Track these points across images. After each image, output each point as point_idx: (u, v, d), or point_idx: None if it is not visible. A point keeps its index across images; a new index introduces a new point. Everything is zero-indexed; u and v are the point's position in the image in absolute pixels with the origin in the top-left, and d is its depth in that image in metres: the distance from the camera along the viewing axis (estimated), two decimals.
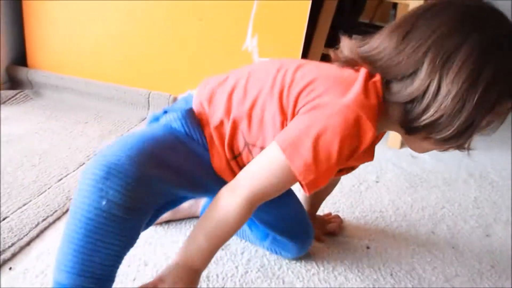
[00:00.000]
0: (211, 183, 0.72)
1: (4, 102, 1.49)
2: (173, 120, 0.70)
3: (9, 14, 1.59)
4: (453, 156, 1.61)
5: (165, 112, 0.73)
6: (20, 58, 1.65)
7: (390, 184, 1.33)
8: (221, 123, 0.70)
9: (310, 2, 1.39)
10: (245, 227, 0.91)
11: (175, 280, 0.63)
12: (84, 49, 1.59)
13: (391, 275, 0.91)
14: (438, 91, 0.58)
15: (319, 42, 1.69)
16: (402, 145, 1.61)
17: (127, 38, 1.55)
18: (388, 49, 0.62)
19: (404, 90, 0.61)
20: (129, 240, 0.61)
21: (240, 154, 0.71)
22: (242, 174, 0.65)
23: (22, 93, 1.57)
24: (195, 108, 0.73)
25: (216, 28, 1.48)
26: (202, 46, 1.50)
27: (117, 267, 0.62)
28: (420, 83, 0.59)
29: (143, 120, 1.52)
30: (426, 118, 0.59)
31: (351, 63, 0.67)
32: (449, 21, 0.60)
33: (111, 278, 0.62)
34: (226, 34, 1.48)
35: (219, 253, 0.90)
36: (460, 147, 0.67)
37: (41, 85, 1.61)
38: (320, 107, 0.62)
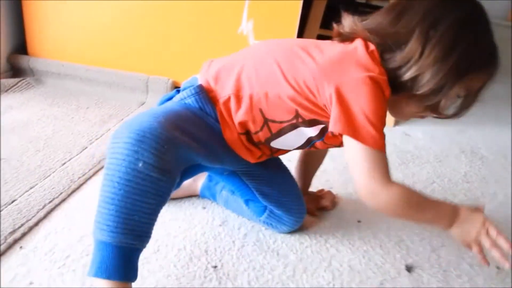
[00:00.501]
0: (224, 154, 0.79)
1: (7, 90, 1.54)
2: (187, 97, 0.77)
3: (9, 3, 1.62)
4: (445, 133, 1.66)
5: (178, 91, 0.80)
6: (21, 46, 1.68)
7: None
8: (229, 99, 0.77)
9: None
10: (242, 203, 0.97)
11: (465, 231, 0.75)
12: (83, 36, 1.62)
13: (380, 246, 0.96)
14: (421, 54, 0.71)
15: (314, 24, 1.71)
16: (396, 123, 1.65)
17: (125, 24, 1.58)
18: (385, 23, 0.75)
19: (398, 56, 0.73)
20: (163, 199, 0.67)
21: (258, 131, 0.78)
22: (354, 178, 0.73)
23: (24, 81, 1.61)
24: (203, 85, 0.79)
25: (212, 12, 1.51)
26: (199, 30, 1.53)
27: (153, 224, 0.68)
28: (410, 49, 0.72)
29: (142, 104, 1.57)
30: (410, 74, 0.72)
31: (351, 37, 0.77)
32: (435, 1, 0.74)
33: (149, 234, 0.68)
34: (222, 18, 1.51)
35: (217, 229, 0.95)
36: (435, 111, 0.78)
37: (42, 73, 1.65)
38: (339, 91, 0.71)
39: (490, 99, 2.19)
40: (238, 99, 0.76)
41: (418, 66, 0.71)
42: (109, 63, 1.62)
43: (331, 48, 0.78)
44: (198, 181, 1.04)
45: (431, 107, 0.77)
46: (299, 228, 0.97)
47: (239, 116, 0.77)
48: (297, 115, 0.77)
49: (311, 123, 0.78)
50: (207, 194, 1.04)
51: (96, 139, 1.29)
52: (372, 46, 0.74)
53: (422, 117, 0.83)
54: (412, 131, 1.63)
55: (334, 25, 0.79)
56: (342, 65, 0.73)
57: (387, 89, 0.72)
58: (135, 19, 1.57)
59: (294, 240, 0.95)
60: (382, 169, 0.71)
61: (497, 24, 6.08)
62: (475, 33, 0.73)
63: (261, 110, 0.76)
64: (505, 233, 1.06)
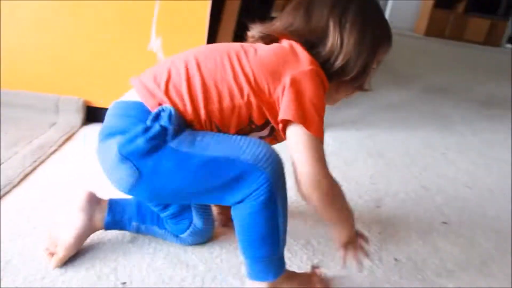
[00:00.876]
0: None
1: None
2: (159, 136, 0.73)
3: None
4: (355, 137, 1.76)
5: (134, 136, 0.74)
6: None
7: None
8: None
9: (210, 1, 1.45)
10: (156, 229, 0.97)
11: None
12: None
13: (288, 249, 1.00)
14: (342, 42, 0.79)
15: (225, 39, 1.76)
16: None
17: (32, 45, 1.54)
18: (297, 22, 0.82)
19: (322, 50, 0.80)
20: None
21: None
22: (297, 165, 0.75)
23: None
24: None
25: (121, 30, 1.51)
26: (108, 48, 1.53)
27: None
28: (332, 41, 0.80)
29: (53, 125, 1.53)
30: (339, 63, 0.80)
31: (267, 38, 0.84)
32: None
33: None
34: (131, 35, 1.51)
35: (127, 245, 0.95)
36: (361, 88, 0.88)
37: None
38: (293, 81, 0.76)
39: (399, 105, 2.36)
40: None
41: (344, 54, 0.79)
42: (18, 85, 1.57)
43: (267, 47, 0.82)
44: (96, 216, 0.92)
45: (359, 86, 0.87)
46: (210, 239, 0.99)
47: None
48: (250, 122, 0.80)
49: (262, 127, 0.82)
50: (115, 227, 0.96)
51: (4, 163, 1.24)
52: (298, 44, 0.81)
53: (351, 95, 0.91)
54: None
55: (249, 33, 0.86)
56: (287, 60, 0.78)
57: (326, 81, 0.79)
58: (43, 39, 1.53)
59: (204, 250, 0.97)
60: (324, 158, 0.77)
61: (404, 35, 6.48)
62: (375, 13, 0.86)
63: (216, 125, 0.79)
64: (404, 227, 1.17)
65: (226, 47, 0.82)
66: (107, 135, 0.79)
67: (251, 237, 0.78)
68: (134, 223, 0.95)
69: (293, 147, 0.76)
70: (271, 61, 0.79)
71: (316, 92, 0.76)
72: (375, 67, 0.87)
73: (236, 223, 0.79)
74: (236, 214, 0.77)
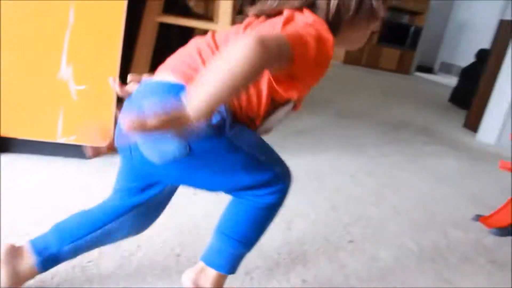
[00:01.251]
0: None
1: None
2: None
3: None
4: None
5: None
6: None
7: (206, 196, 1.43)
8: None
9: (123, 30, 1.46)
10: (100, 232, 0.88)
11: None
12: None
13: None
14: None
15: (140, 68, 1.76)
16: None
17: None
18: None
19: (320, 6, 0.77)
20: None
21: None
22: None
23: None
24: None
25: (29, 58, 1.46)
26: (18, 77, 1.47)
27: None
28: None
29: None
30: (333, 7, 0.77)
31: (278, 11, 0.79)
32: None
33: None
34: (41, 63, 1.47)
35: None
36: (376, 19, 0.83)
37: None
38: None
39: (311, 131, 2.47)
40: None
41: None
42: None
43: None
44: (23, 265, 0.85)
45: (369, 23, 0.83)
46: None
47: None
48: (273, 102, 0.80)
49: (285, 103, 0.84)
50: (51, 264, 0.87)
51: None
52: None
53: (371, 39, 0.93)
54: None
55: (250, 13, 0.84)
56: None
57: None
58: None
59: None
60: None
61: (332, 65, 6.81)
62: None
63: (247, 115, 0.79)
64: (313, 248, 1.22)
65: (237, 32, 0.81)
66: None
67: (244, 228, 0.85)
68: (66, 247, 0.86)
69: None
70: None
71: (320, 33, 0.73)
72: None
73: (235, 211, 0.85)
74: (243, 204, 0.84)
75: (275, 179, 0.83)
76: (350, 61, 7.16)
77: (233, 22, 1.68)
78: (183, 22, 1.76)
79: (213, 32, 0.84)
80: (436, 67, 9.00)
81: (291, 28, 0.72)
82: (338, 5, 0.78)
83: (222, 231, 0.86)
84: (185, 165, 0.77)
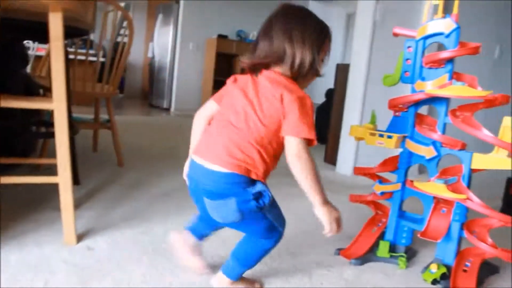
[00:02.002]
0: None
1: None
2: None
3: None
4: (130, 235, 1.72)
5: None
6: None
7: (60, 285, 1.32)
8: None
9: None
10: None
11: (331, 211, 1.26)
12: None
13: None
14: (295, 53, 1.24)
15: None
16: (79, 239, 1.63)
17: None
18: (266, 48, 1.26)
19: (288, 64, 1.25)
20: None
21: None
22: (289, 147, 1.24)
23: None
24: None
25: None
26: None
27: None
28: (289, 54, 1.24)
29: None
30: (300, 66, 1.25)
31: (259, 65, 1.29)
32: (283, 19, 1.27)
33: None
34: None
35: None
36: (318, 74, 1.31)
37: None
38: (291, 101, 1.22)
39: (177, 192, 2.42)
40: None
41: (299, 58, 1.23)
42: None
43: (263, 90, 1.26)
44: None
45: (316, 74, 1.30)
46: None
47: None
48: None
49: None
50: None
51: None
52: (276, 69, 1.28)
53: (311, 82, 1.38)
54: (97, 243, 1.63)
55: (242, 62, 1.31)
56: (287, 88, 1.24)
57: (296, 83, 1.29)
58: None
59: None
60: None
61: (191, 116, 6.78)
62: (311, 22, 1.28)
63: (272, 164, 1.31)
64: None
65: (240, 107, 1.26)
66: (220, 195, 1.23)
67: (253, 255, 1.35)
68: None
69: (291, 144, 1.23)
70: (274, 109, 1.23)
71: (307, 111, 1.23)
72: (327, 55, 1.33)
73: (247, 243, 1.35)
74: (254, 241, 1.33)
75: (279, 234, 1.33)
76: None
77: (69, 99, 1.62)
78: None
79: (223, 112, 1.32)
80: None
81: (302, 115, 1.21)
82: (300, 65, 1.25)
83: (236, 255, 1.36)
84: (239, 222, 1.26)
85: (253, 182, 1.22)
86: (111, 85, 2.87)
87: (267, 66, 1.28)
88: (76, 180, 2.36)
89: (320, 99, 4.92)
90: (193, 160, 1.32)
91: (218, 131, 1.27)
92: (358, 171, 1.89)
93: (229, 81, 1.36)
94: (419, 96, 1.59)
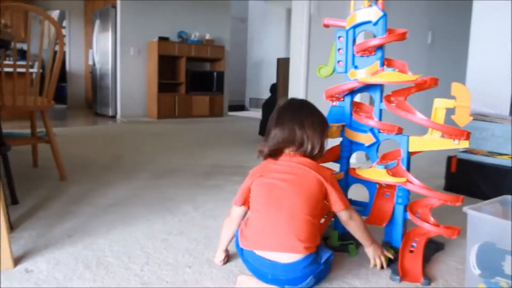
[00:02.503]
0: None
1: None
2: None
3: None
4: (71, 254, 1.64)
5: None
6: None
7: None
8: None
9: None
10: None
11: (376, 249, 1.56)
12: None
13: None
14: (307, 138, 1.46)
15: None
16: (17, 262, 1.54)
17: None
18: (282, 137, 1.48)
19: (304, 147, 1.46)
20: None
21: None
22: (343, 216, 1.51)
23: None
24: None
25: None
26: None
27: None
28: (302, 140, 1.46)
29: None
30: (312, 149, 1.46)
31: (279, 150, 1.49)
32: (291, 110, 1.51)
33: None
34: None
35: None
36: (323, 155, 1.54)
37: None
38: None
39: (121, 202, 2.35)
40: None
41: (311, 143, 1.45)
42: None
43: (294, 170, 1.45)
44: None
45: (321, 155, 1.51)
46: None
47: None
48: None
49: None
50: None
51: None
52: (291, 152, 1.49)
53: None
54: (36, 264, 1.54)
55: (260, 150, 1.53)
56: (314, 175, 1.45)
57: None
58: None
59: None
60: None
61: (139, 122, 6.62)
62: (315, 113, 1.52)
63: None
64: None
65: (283, 196, 1.41)
66: (300, 279, 1.36)
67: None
68: None
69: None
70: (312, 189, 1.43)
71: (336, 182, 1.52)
72: (327, 140, 1.54)
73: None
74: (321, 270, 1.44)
75: (330, 256, 1.48)
76: (164, 115, 7.23)
77: None
78: None
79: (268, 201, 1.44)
80: (247, 103, 9.63)
81: (337, 189, 1.48)
82: (312, 148, 1.47)
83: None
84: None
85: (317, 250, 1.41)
86: (45, 96, 2.74)
87: (282, 150, 1.48)
88: (14, 200, 2.25)
89: (264, 95, 4.93)
90: (258, 255, 1.38)
91: (271, 217, 1.39)
92: None
93: (252, 176, 1.51)
94: (353, 85, 1.61)
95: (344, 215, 1.48)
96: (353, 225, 1.50)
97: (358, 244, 1.76)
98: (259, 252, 1.37)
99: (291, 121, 1.46)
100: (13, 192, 2.25)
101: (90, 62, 8.14)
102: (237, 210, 1.53)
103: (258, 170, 1.49)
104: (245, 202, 1.51)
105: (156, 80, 7.10)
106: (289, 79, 3.44)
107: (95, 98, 7.94)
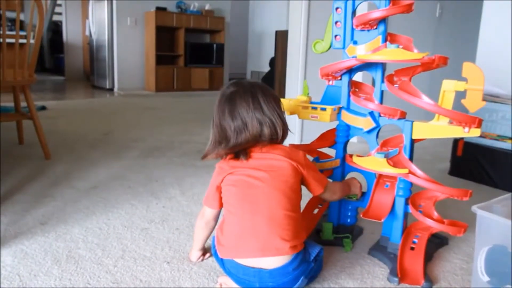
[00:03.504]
0: None
1: None
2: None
3: None
4: (40, 245, 1.51)
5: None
6: None
7: None
8: None
9: None
10: None
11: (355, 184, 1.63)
12: None
13: None
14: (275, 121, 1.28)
15: None
16: None
17: None
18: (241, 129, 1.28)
19: (267, 132, 1.27)
20: None
21: None
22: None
23: None
24: None
25: None
26: None
27: None
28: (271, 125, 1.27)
29: None
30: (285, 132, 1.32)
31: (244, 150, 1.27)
32: (245, 95, 1.28)
33: None
34: None
35: None
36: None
37: None
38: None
39: (105, 185, 2.21)
40: None
41: (279, 125, 1.28)
42: None
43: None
44: None
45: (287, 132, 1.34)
46: None
47: None
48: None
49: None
50: None
51: None
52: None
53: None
54: (1, 257, 1.41)
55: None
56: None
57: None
58: None
59: None
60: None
61: (136, 95, 6.43)
62: (268, 89, 1.35)
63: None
64: None
65: (265, 196, 1.22)
66: (291, 282, 1.21)
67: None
68: None
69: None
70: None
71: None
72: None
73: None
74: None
75: (319, 251, 1.32)
76: (162, 88, 7.04)
77: None
78: None
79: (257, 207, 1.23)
80: (248, 76, 9.40)
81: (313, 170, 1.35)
82: (271, 134, 1.26)
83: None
84: None
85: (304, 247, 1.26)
86: (26, 70, 2.57)
87: (250, 148, 1.27)
88: None
89: (266, 68, 4.74)
90: (240, 264, 1.21)
91: (248, 220, 1.22)
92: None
93: (221, 173, 1.29)
94: (351, 63, 1.43)
95: (326, 195, 1.43)
96: (336, 196, 1.49)
97: (354, 237, 1.62)
98: (240, 261, 1.21)
99: (252, 107, 1.26)
100: None
101: (87, 33, 7.90)
102: (211, 212, 1.36)
103: (227, 166, 1.28)
104: (220, 204, 1.33)
105: (154, 52, 6.88)
106: (287, 53, 3.24)
107: (92, 70, 7.74)
